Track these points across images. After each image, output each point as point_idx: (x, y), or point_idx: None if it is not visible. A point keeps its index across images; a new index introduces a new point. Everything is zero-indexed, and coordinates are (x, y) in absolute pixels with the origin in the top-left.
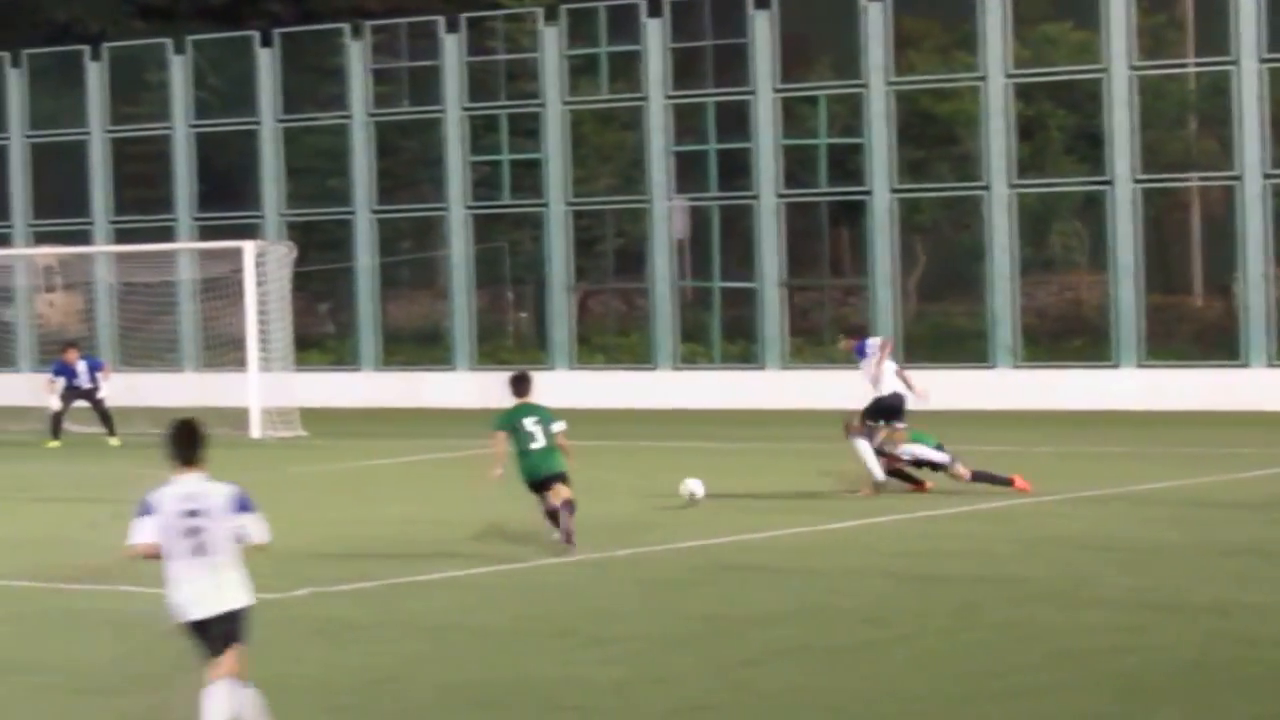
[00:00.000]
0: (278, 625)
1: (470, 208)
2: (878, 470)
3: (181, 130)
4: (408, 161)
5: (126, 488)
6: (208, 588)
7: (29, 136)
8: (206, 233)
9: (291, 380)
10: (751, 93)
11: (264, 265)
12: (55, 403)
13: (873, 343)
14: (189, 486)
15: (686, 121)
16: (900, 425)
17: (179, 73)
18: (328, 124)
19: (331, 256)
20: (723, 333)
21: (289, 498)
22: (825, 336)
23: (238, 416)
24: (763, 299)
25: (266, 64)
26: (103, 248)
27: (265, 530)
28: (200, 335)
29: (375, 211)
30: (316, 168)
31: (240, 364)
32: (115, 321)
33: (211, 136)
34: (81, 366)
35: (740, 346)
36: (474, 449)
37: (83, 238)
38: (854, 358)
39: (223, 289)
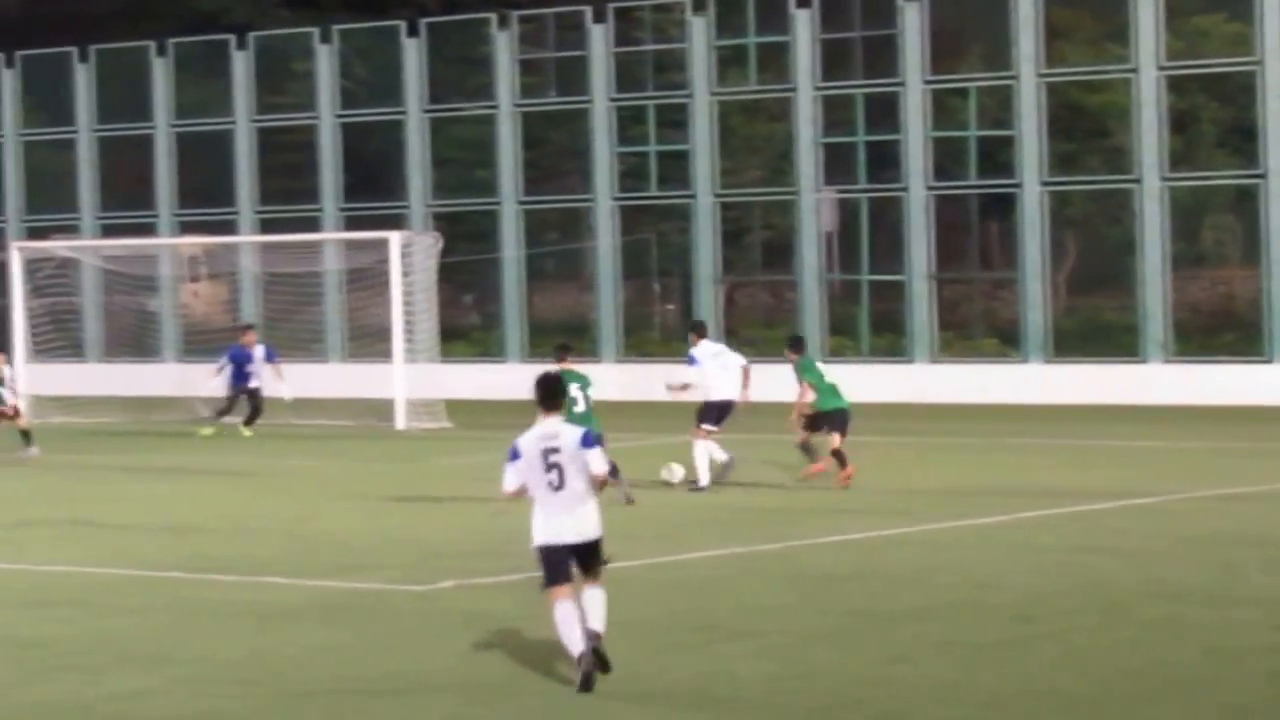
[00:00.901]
0: (421, 617)
1: (617, 199)
2: (706, 475)
3: (327, 120)
4: (554, 152)
5: (259, 476)
6: (566, 518)
7: (174, 126)
8: (352, 223)
9: (437, 372)
10: (901, 84)
11: (410, 256)
12: (221, 389)
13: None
14: (548, 428)
15: (835, 113)
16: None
17: (325, 62)
18: (474, 114)
19: (478, 247)
20: (871, 326)
21: (433, 490)
22: (975, 330)
23: (383, 408)
24: (911, 292)
25: (413, 54)
26: (248, 238)
27: (603, 462)
28: (346, 326)
29: (521, 202)
30: (463, 158)
31: (386, 355)
32: (260, 312)
33: (357, 126)
34: (259, 352)
35: (888, 340)
36: (622, 442)
37: (228, 227)
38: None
39: (368, 280)
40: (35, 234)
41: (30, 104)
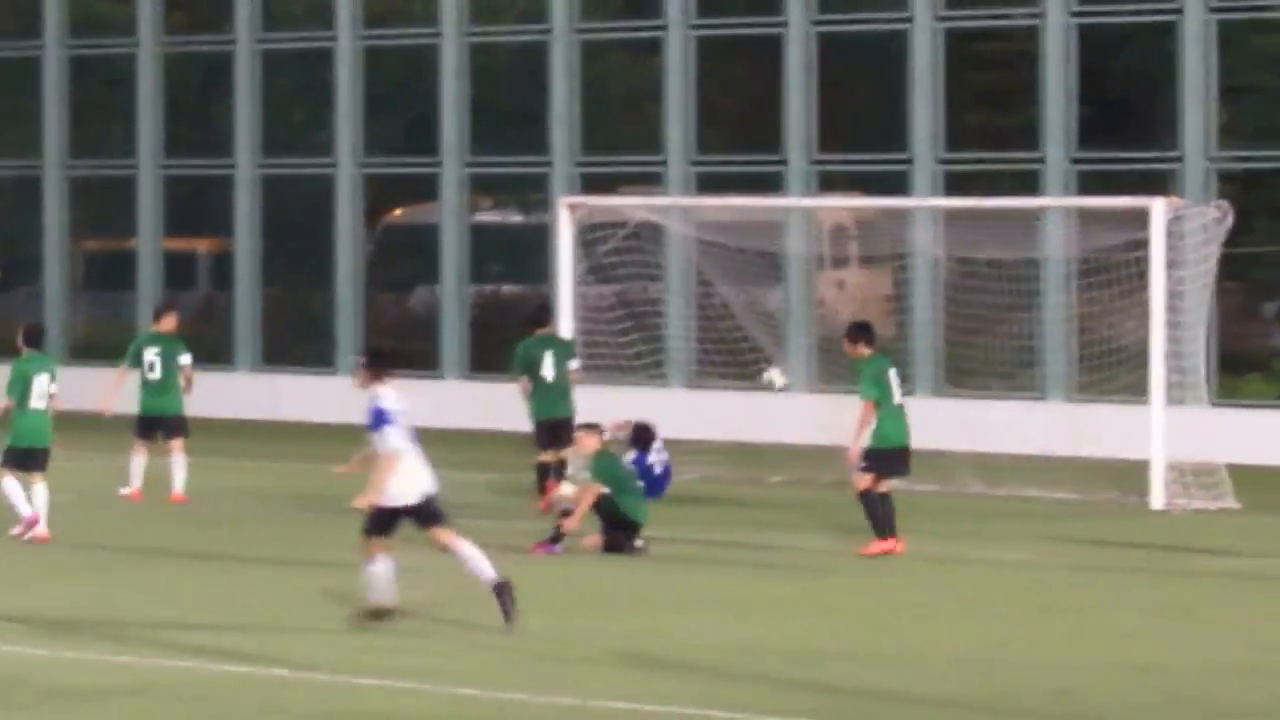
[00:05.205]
0: None
1: None
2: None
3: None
4: None
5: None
6: None
7: None
8: (1087, 180)
9: (1214, 421)
10: None
11: (1180, 237)
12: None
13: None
14: None
15: None
16: None
17: None
18: None
19: None
20: None
21: (1204, 613)
22: None
23: (1129, 473)
24: None
25: None
26: (928, 200)
27: None
28: (1070, 346)
29: None
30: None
31: (1135, 392)
32: (938, 319)
33: None
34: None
35: None
36: None
37: (896, 182)
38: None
39: (1110, 272)
40: (594, 185)
41: None
